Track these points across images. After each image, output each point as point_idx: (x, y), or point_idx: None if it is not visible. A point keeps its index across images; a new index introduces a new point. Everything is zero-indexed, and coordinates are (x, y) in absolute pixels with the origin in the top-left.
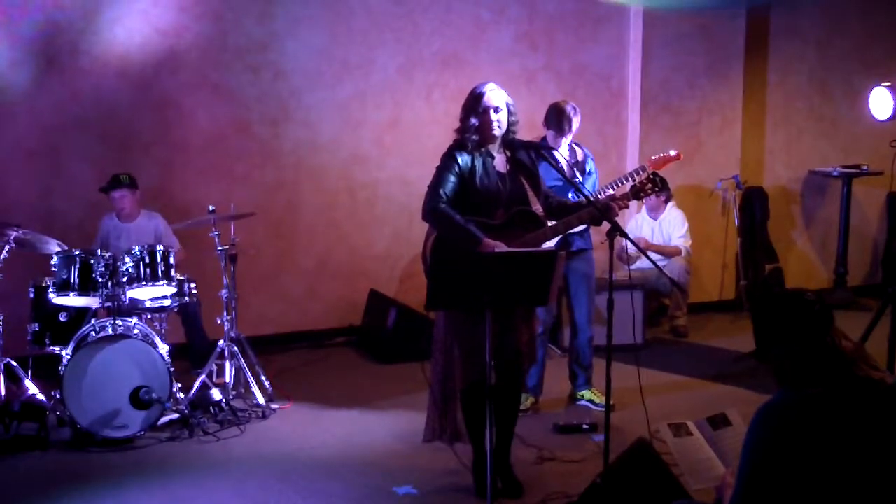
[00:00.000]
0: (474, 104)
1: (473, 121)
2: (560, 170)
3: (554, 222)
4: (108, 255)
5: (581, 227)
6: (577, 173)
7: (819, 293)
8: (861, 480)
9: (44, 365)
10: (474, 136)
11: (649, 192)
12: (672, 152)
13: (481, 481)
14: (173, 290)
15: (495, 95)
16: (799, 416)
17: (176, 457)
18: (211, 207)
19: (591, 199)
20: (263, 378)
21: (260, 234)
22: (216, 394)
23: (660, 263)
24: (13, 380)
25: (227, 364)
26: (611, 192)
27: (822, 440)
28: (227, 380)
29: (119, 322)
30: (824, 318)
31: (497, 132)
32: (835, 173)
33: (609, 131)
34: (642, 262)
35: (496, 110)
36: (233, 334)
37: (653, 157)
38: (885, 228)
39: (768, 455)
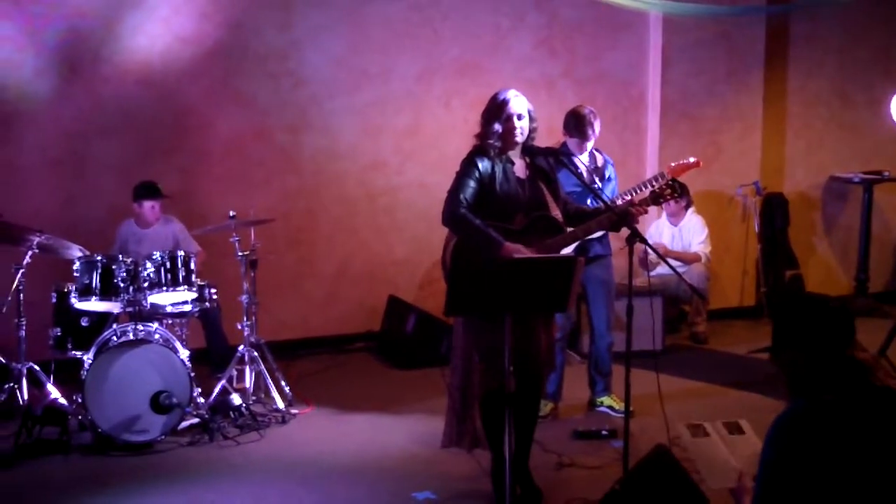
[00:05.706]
0: (498, 111)
1: (497, 127)
2: (579, 176)
3: (572, 228)
4: (129, 260)
5: (600, 233)
6: (597, 179)
7: (843, 302)
8: (880, 489)
9: (66, 369)
10: (497, 143)
11: (668, 197)
12: (691, 159)
13: (500, 487)
14: (194, 295)
15: (518, 102)
16: (816, 426)
17: (196, 461)
18: (231, 213)
19: (610, 204)
20: (283, 383)
21: (280, 240)
22: (236, 399)
23: (679, 270)
24: (35, 384)
25: (247, 369)
26: (629, 198)
27: (839, 449)
28: (247, 385)
29: (140, 327)
30: (846, 328)
31: (519, 139)
32: (856, 179)
33: (628, 138)
34: (662, 269)
35: (519, 118)
36: (253, 339)
37: (672, 164)
38: None
39: (786, 466)
